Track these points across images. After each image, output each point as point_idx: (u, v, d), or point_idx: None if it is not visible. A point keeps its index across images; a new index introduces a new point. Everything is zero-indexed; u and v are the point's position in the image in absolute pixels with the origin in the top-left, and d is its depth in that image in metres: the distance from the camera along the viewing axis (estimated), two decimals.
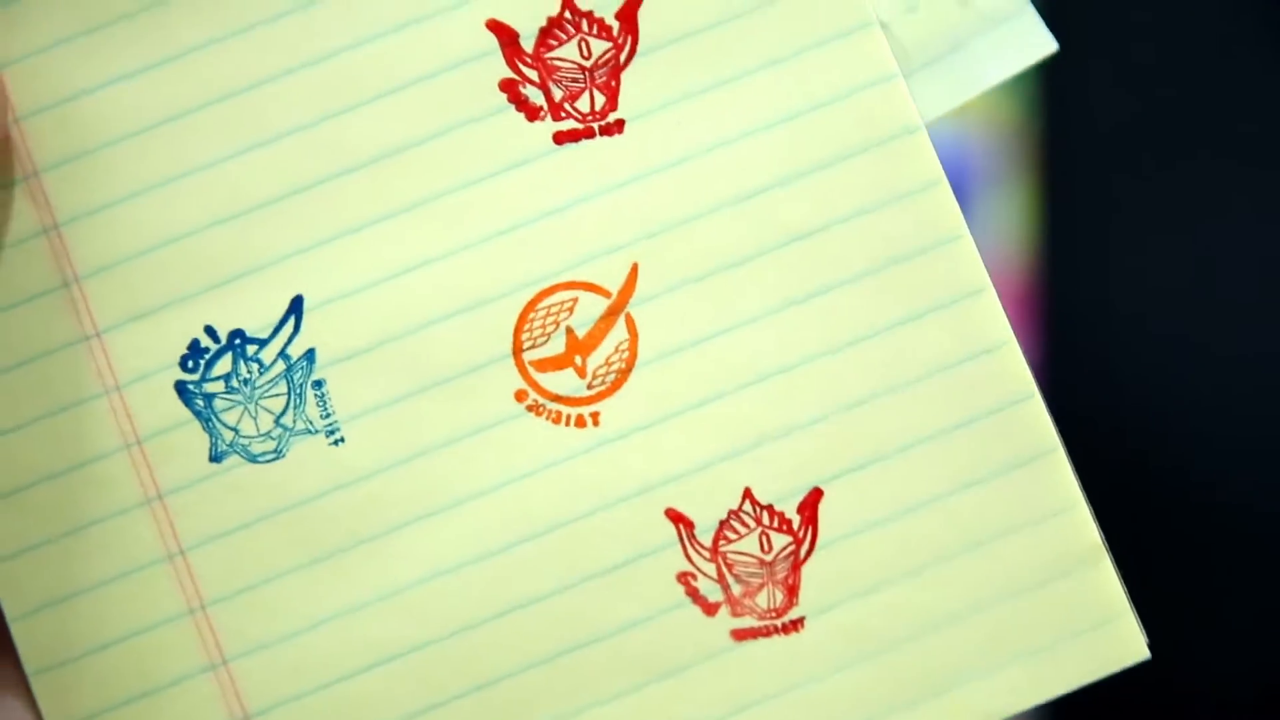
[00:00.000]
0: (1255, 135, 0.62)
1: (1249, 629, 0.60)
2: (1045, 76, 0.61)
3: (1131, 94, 0.61)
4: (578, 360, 0.34)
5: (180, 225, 0.34)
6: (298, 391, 0.34)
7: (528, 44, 0.34)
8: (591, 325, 0.34)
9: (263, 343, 0.34)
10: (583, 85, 0.34)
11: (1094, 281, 0.62)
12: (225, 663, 0.33)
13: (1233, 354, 0.61)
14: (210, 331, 0.34)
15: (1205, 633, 0.59)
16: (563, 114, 0.34)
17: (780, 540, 0.34)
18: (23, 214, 0.34)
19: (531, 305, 0.34)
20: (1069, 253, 0.61)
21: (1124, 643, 0.33)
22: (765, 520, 0.34)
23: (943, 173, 0.34)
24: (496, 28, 0.34)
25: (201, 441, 0.34)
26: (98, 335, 0.34)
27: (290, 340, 0.34)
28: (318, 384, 0.34)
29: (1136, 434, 0.56)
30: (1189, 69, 0.62)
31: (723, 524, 0.34)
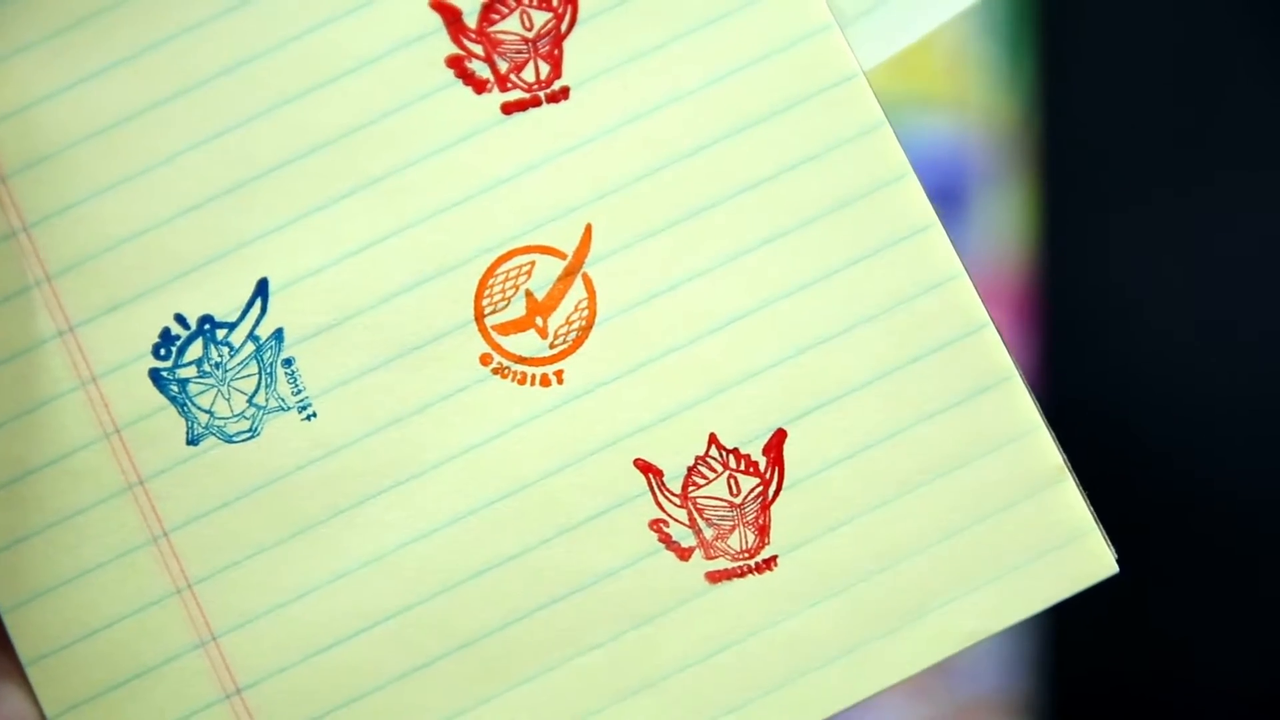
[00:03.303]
0: (1253, 132, 0.62)
1: (1253, 624, 0.60)
2: (1045, 76, 0.61)
3: (1130, 93, 0.62)
4: (538, 321, 0.35)
5: (145, 218, 0.35)
6: (268, 371, 0.34)
7: (471, 20, 0.35)
8: (550, 286, 0.35)
9: (231, 326, 0.35)
10: (527, 56, 0.35)
11: (1093, 280, 0.62)
12: (214, 639, 0.34)
13: (1233, 351, 0.61)
14: (180, 319, 0.35)
15: (1209, 628, 0.60)
16: (509, 85, 0.35)
17: (748, 482, 0.34)
18: None
19: (490, 271, 0.35)
20: (1068, 251, 0.61)
21: (1092, 559, 0.34)
22: (732, 464, 0.34)
23: (884, 115, 0.35)
24: (440, 7, 0.35)
25: (178, 426, 0.34)
26: (71, 330, 0.35)
27: (258, 322, 0.35)
28: (287, 362, 0.35)
29: (1136, 433, 0.56)
30: (1188, 67, 0.62)
31: (691, 470, 0.34)
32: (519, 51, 0.35)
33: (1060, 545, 0.34)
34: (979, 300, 0.35)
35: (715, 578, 0.34)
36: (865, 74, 0.35)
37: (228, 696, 0.34)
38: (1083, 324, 0.60)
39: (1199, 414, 0.61)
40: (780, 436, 0.34)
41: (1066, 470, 0.34)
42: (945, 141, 0.60)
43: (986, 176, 0.61)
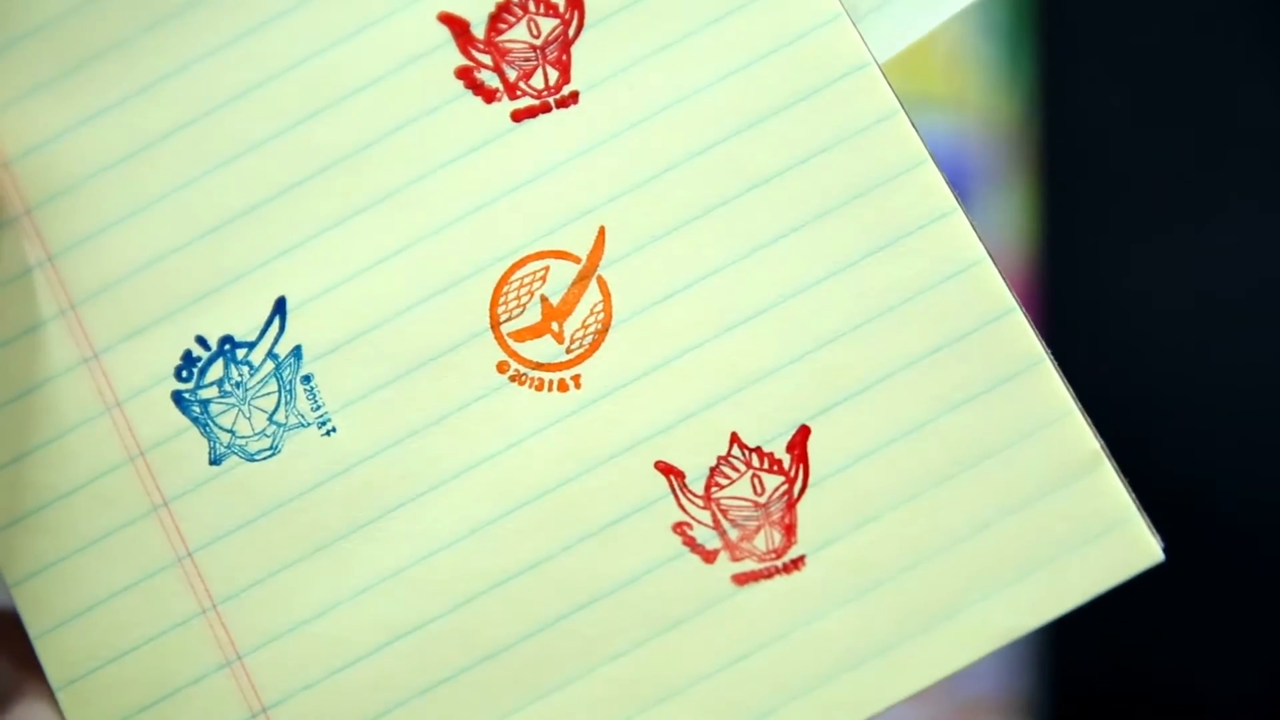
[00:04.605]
0: (1253, 131, 0.61)
1: (1254, 624, 0.59)
2: (1045, 75, 0.61)
3: (1130, 92, 0.61)
4: (554, 326, 0.34)
5: (165, 244, 0.35)
6: (288, 388, 0.34)
7: (479, 31, 0.35)
8: (565, 291, 0.34)
9: (251, 345, 0.35)
10: (535, 63, 0.35)
11: (1092, 279, 0.61)
12: (239, 658, 0.34)
13: (1234, 351, 0.60)
14: (201, 340, 0.35)
15: (1209, 628, 0.58)
16: (518, 93, 0.35)
17: (772, 481, 0.33)
18: (18, 251, 0.35)
19: (505, 279, 0.34)
20: (1067, 251, 0.61)
21: (1135, 547, 0.32)
22: (755, 462, 0.33)
23: (898, 103, 0.34)
24: (448, 20, 0.35)
25: (200, 446, 0.34)
26: (96, 357, 0.35)
27: (277, 340, 0.35)
28: (306, 379, 0.34)
29: (1136, 432, 0.55)
30: (1187, 65, 0.61)
31: (713, 471, 0.34)
32: (527, 59, 0.35)
33: (1100, 534, 0.33)
34: (1005, 285, 0.33)
35: (742, 580, 0.33)
36: (879, 65, 0.35)
37: (254, 716, 0.34)
38: (1082, 324, 0.59)
39: (1199, 413, 0.60)
40: (804, 433, 0.33)
41: (1104, 455, 0.33)
42: (945, 141, 0.60)
43: (986, 176, 0.60)
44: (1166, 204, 0.61)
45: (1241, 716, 0.58)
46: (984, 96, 0.58)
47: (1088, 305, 0.60)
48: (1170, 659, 0.56)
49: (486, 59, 0.35)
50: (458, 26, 0.35)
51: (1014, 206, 0.61)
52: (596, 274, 0.34)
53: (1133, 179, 0.61)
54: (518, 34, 0.35)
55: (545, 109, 0.35)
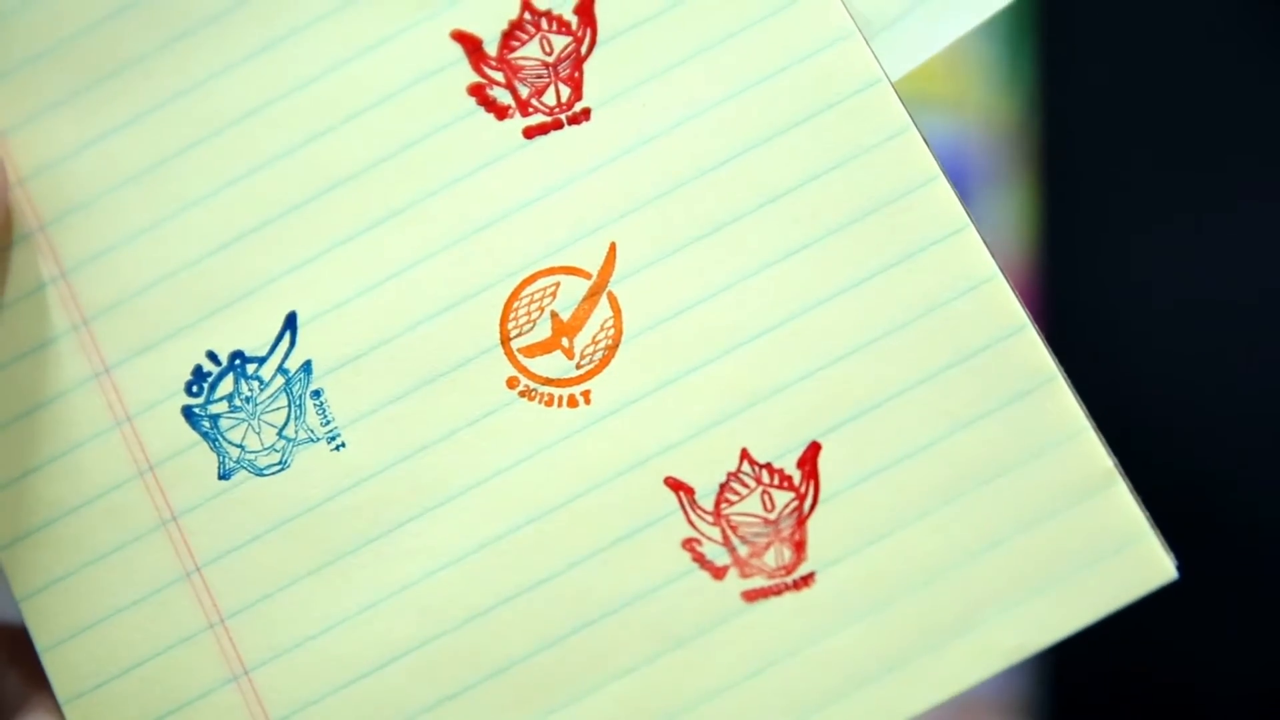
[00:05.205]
0: (1254, 132, 0.61)
1: (1255, 626, 0.58)
2: (1045, 76, 0.61)
3: (1130, 93, 0.61)
4: (564, 342, 0.34)
5: (177, 259, 0.35)
6: (297, 403, 0.34)
7: (491, 48, 0.35)
8: (575, 307, 0.34)
9: (261, 360, 0.35)
10: (547, 80, 0.35)
11: (1092, 280, 0.61)
12: (246, 673, 0.34)
13: (1236, 352, 0.60)
14: (212, 355, 0.35)
15: (1209, 630, 0.58)
16: (530, 109, 0.35)
17: (782, 497, 0.33)
18: (32, 267, 0.35)
19: (515, 294, 0.34)
20: (1067, 251, 0.60)
21: (1148, 565, 0.32)
22: (765, 479, 0.33)
23: (910, 120, 0.34)
24: (461, 37, 0.35)
25: (210, 461, 0.34)
26: (107, 371, 0.35)
27: (287, 355, 0.35)
28: (316, 393, 0.34)
29: (1137, 434, 0.55)
30: (1188, 67, 0.61)
31: (723, 487, 0.33)
32: (539, 76, 0.35)
33: (1113, 552, 0.32)
34: (1017, 301, 0.33)
35: (751, 596, 0.33)
36: (891, 82, 0.35)
37: None
38: (1082, 324, 0.59)
39: (1201, 414, 0.59)
40: (814, 449, 0.33)
41: (1117, 473, 0.33)
42: (945, 141, 0.60)
43: (986, 177, 0.60)
44: (1167, 204, 0.60)
45: (1241, 717, 0.58)
46: (984, 97, 0.58)
47: (1088, 305, 0.60)
48: (1170, 659, 0.56)
49: (499, 76, 0.35)
50: (470, 44, 0.35)
51: (1014, 206, 0.60)
52: (607, 290, 0.34)
53: (1133, 179, 0.60)
54: (530, 51, 0.35)
55: (557, 126, 0.35)
